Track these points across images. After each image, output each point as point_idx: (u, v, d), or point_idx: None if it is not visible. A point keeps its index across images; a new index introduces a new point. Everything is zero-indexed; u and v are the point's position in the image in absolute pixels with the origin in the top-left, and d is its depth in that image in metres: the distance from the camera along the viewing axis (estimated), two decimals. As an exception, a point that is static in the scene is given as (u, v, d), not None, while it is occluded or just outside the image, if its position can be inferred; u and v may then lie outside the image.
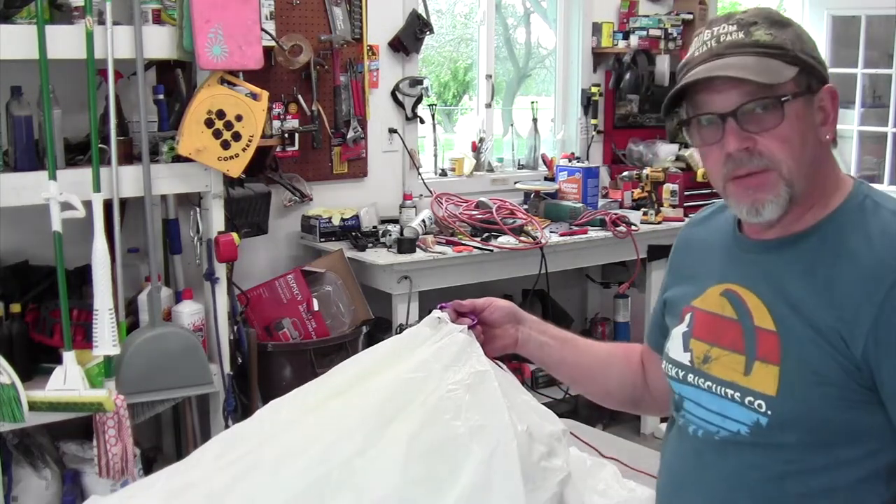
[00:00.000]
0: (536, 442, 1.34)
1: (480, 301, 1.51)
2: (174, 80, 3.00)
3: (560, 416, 1.62)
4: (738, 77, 1.22)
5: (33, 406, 2.55)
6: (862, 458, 1.23)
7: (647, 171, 4.31)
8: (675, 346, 1.41)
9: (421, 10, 3.90)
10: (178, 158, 2.85)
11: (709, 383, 1.33)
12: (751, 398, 1.27)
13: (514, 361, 3.15)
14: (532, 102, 4.60)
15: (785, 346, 1.24)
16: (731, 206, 1.32)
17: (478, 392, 1.32)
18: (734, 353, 1.30)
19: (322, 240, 3.55)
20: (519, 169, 4.50)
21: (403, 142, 3.94)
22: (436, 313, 1.44)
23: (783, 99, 1.23)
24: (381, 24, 3.80)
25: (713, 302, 1.36)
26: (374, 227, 3.60)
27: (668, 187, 4.19)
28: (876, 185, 5.71)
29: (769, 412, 1.25)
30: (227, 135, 2.83)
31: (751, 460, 1.28)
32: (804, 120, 1.25)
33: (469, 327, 1.42)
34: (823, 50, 5.75)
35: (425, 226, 3.58)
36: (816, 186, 1.28)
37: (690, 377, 1.37)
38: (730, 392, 1.30)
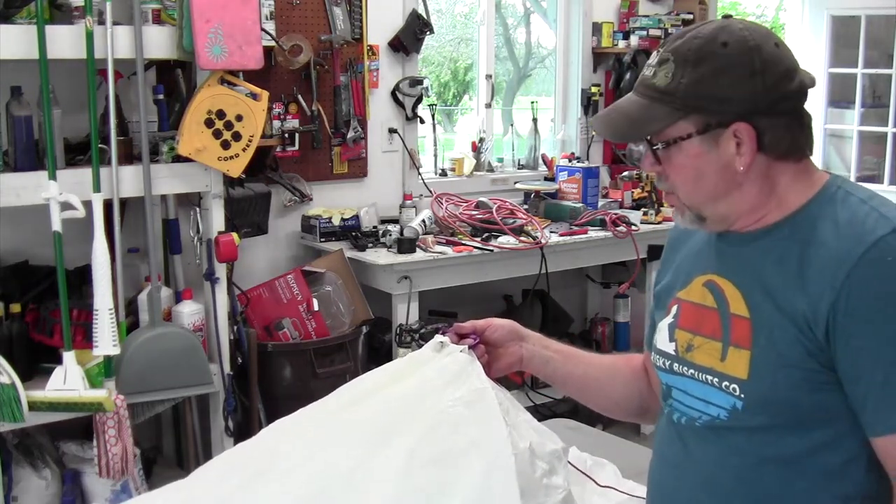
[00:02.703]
0: (538, 459, 1.36)
1: (480, 322, 1.54)
2: (174, 80, 3.00)
3: (560, 416, 1.63)
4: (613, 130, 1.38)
5: (33, 406, 2.55)
6: (836, 442, 1.27)
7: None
8: (661, 338, 1.46)
9: (421, 10, 3.90)
10: (178, 158, 2.85)
11: (692, 371, 1.39)
12: (727, 383, 1.33)
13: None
14: (532, 102, 4.60)
15: (755, 331, 1.30)
16: None
17: (477, 408, 1.34)
18: (713, 340, 1.36)
19: (322, 240, 3.55)
20: (519, 169, 4.50)
21: (403, 142, 3.94)
22: (438, 338, 1.46)
23: (654, 147, 1.32)
24: (381, 24, 3.80)
25: (696, 293, 1.41)
26: (374, 227, 3.60)
27: (668, 187, 4.19)
28: (876, 185, 5.68)
29: (742, 395, 1.31)
30: (227, 135, 2.83)
31: (730, 445, 1.33)
32: (701, 157, 1.30)
33: (470, 347, 1.45)
34: (823, 50, 5.75)
35: (425, 226, 3.58)
36: (752, 203, 1.33)
37: (676, 366, 1.42)
38: (710, 378, 1.35)
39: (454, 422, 1.32)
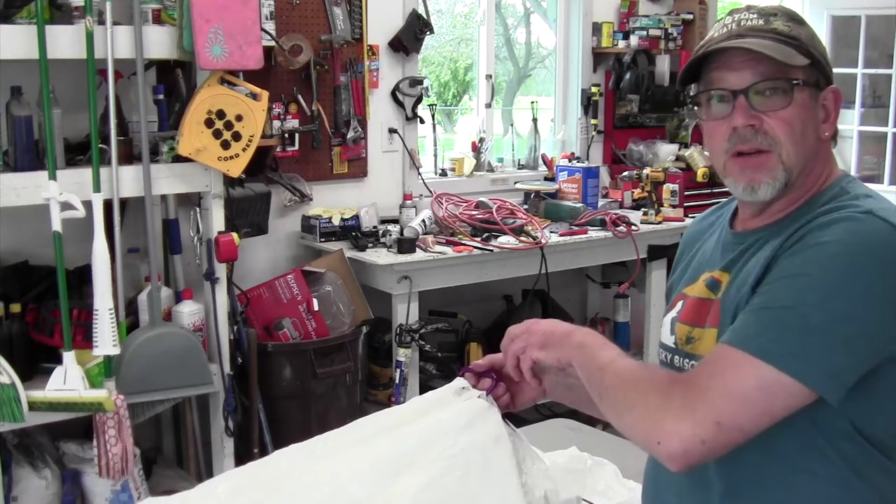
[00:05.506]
0: None
1: (498, 356, 1.52)
2: (174, 80, 3.00)
3: (560, 416, 1.62)
4: (757, 53, 1.28)
5: (33, 406, 2.55)
6: (805, 422, 1.22)
7: (647, 171, 4.31)
8: (664, 332, 1.48)
9: (421, 10, 3.90)
10: (178, 158, 2.85)
11: (693, 363, 1.39)
12: None
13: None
14: (532, 102, 4.61)
15: (723, 311, 1.32)
16: (728, 185, 1.39)
17: (491, 453, 1.35)
18: (708, 328, 1.37)
19: (322, 240, 3.55)
20: (519, 169, 4.50)
21: (403, 142, 3.94)
22: (459, 382, 1.45)
23: (794, 82, 1.29)
24: (381, 24, 3.80)
25: (699, 289, 1.43)
26: (374, 227, 3.60)
27: (668, 187, 4.19)
28: (876, 185, 5.67)
29: None
30: (227, 135, 2.83)
31: None
32: (808, 111, 1.31)
33: (489, 391, 1.43)
34: (823, 50, 5.75)
35: (425, 226, 3.58)
36: (809, 178, 1.34)
37: (676, 359, 1.44)
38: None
39: (467, 465, 1.32)
